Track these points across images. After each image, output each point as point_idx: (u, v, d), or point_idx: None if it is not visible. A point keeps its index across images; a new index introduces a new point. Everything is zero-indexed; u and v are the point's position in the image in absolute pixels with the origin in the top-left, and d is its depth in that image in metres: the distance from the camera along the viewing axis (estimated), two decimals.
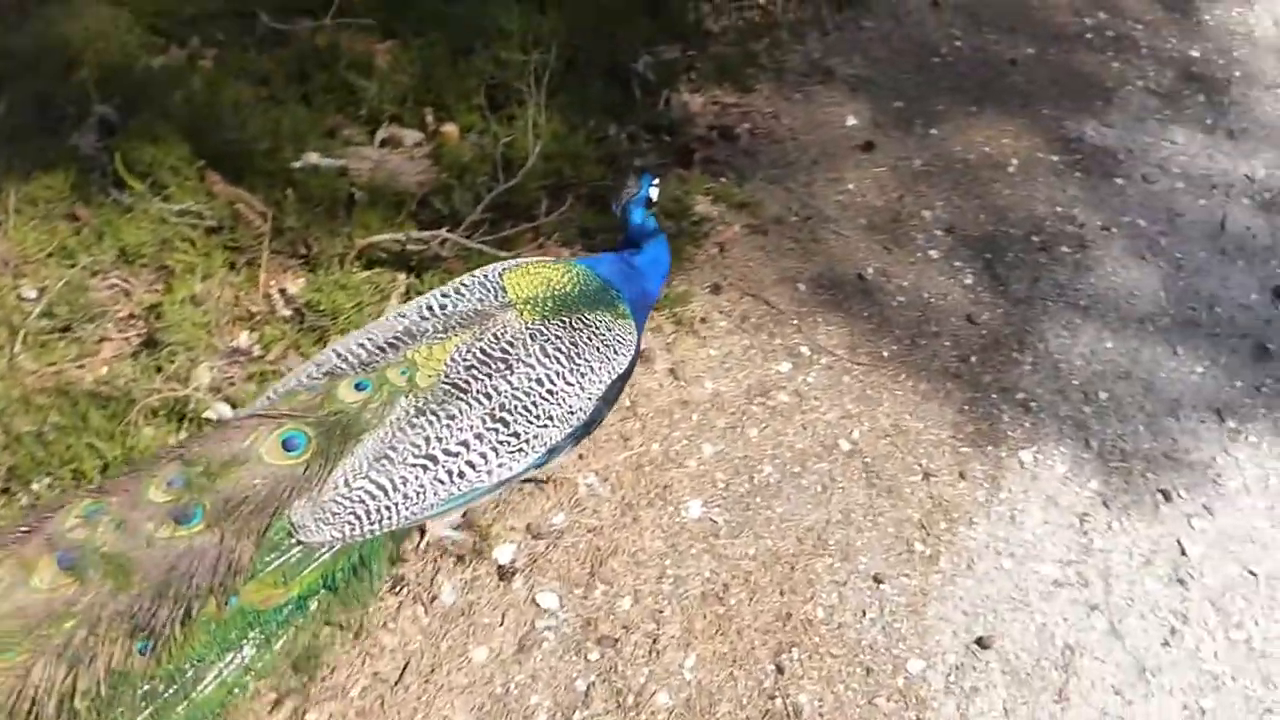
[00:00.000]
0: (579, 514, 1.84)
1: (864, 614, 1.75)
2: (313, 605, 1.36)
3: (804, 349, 2.13)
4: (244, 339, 2.08)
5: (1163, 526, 1.99)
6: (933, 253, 2.40)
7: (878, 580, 1.80)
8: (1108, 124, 2.82)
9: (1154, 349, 2.30)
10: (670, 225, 2.26)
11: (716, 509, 1.88)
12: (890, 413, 2.07)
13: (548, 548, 1.79)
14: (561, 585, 1.73)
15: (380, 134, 2.31)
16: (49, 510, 1.29)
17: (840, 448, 2.00)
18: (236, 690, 1.30)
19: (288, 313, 2.07)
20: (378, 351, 1.48)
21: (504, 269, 1.62)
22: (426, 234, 2.00)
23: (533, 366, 1.50)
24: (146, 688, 1.21)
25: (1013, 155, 2.67)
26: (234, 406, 1.84)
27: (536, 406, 1.49)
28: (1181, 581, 1.92)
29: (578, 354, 1.53)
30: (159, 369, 1.87)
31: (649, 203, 1.70)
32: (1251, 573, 1.96)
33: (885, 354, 2.18)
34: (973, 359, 2.20)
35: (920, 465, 1.99)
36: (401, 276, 2.08)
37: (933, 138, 2.66)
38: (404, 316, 1.55)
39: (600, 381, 1.56)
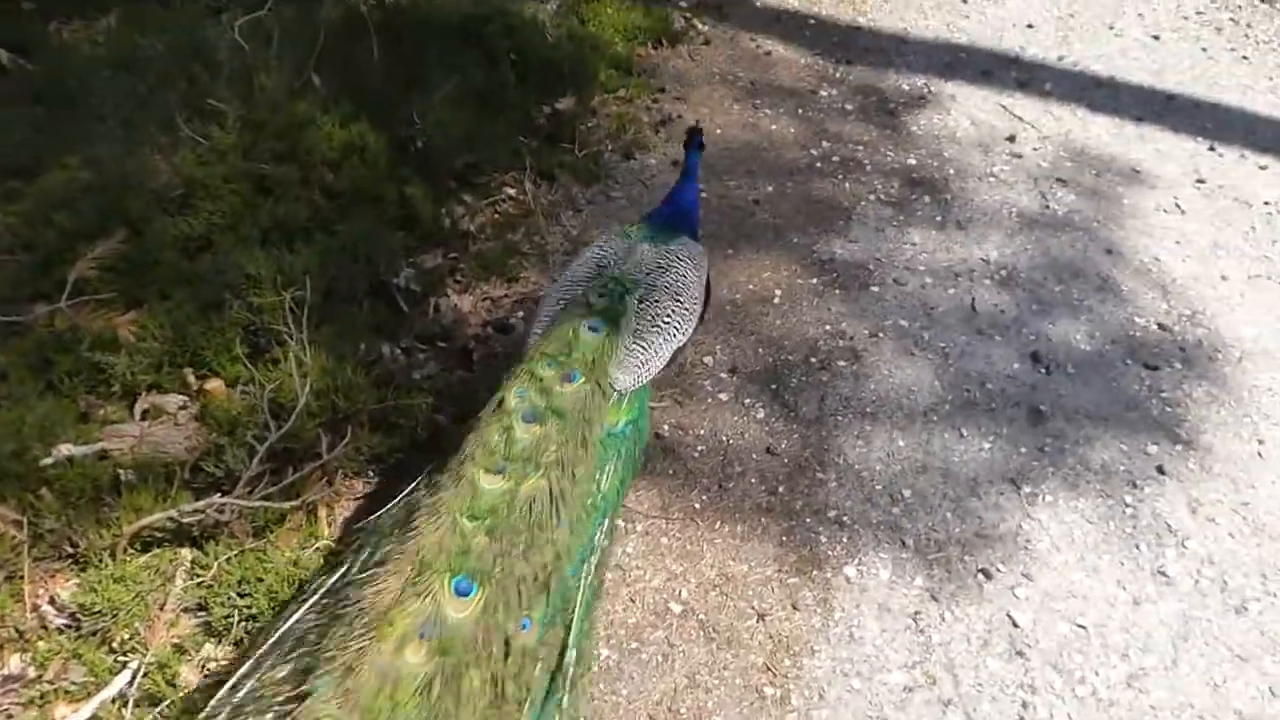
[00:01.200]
0: None
1: None
2: (630, 429, 2.01)
3: (617, 521, 2.19)
4: (14, 664, 1.95)
5: (991, 604, 2.15)
6: (722, 396, 2.57)
7: None
8: (853, 240, 3.16)
9: (942, 437, 2.52)
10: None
11: None
12: (714, 563, 2.16)
13: None
14: None
15: (139, 406, 2.29)
16: (498, 400, 1.93)
17: (672, 611, 2.06)
18: (621, 485, 1.94)
19: (61, 622, 1.96)
20: (590, 278, 2.20)
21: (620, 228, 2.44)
22: (200, 504, 1.97)
23: (671, 268, 2.22)
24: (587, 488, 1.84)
25: (775, 287, 2.94)
26: None
27: (683, 290, 2.20)
28: (1020, 653, 2.06)
29: (686, 259, 2.26)
30: None
31: (701, 146, 2.49)
32: (1080, 626, 2.13)
33: (697, 505, 2.29)
34: (781, 489, 2.34)
35: (753, 608, 2.07)
36: (184, 552, 2.04)
37: None
38: (584, 264, 2.26)
39: (700, 274, 2.29)
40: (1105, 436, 2.59)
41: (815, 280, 2.99)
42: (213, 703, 1.56)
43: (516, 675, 1.58)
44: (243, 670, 1.59)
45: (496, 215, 3.08)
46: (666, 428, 2.47)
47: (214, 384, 2.38)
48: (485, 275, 2.84)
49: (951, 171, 3.58)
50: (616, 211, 3.17)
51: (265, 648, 1.63)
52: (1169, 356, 2.88)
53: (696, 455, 2.41)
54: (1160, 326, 2.99)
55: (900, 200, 3.40)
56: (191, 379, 2.38)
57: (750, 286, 2.94)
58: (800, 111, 3.85)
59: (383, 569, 1.64)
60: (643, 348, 2.08)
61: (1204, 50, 4.72)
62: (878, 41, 4.43)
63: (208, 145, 2.80)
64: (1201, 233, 3.41)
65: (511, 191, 3.17)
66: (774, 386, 2.61)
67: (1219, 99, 4.28)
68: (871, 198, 3.39)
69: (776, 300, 2.90)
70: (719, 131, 3.63)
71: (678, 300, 2.18)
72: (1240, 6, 5.25)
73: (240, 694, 1.56)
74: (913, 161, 3.61)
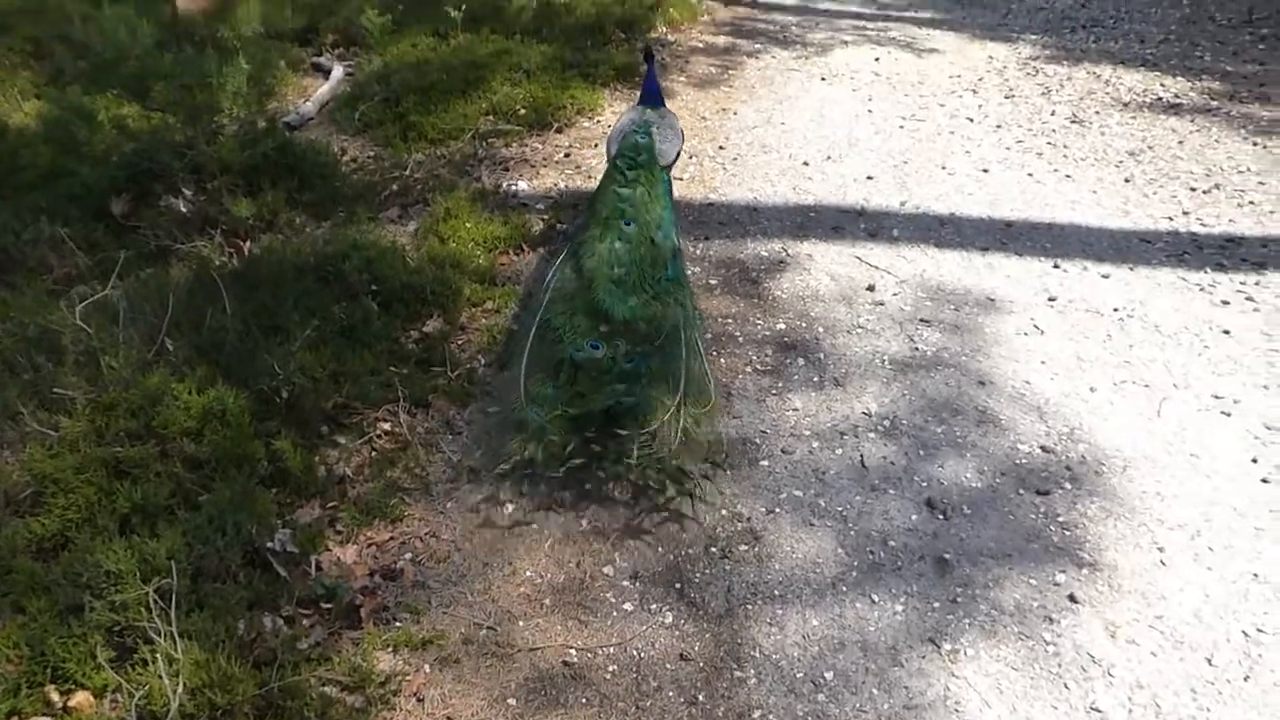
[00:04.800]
0: None
1: None
2: (667, 177, 3.85)
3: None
4: None
5: None
6: (627, 606, 2.55)
7: None
8: (736, 416, 3.26)
9: (854, 607, 2.54)
10: (356, 699, 2.24)
11: None
12: None
13: None
14: None
15: None
16: (611, 166, 3.85)
17: None
18: (669, 199, 3.69)
19: None
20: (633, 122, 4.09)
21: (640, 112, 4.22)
22: None
23: (664, 116, 4.14)
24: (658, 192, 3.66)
25: None
26: None
27: (673, 124, 4.13)
28: None
29: (668, 113, 4.25)
30: None
31: (650, 58, 4.66)
32: None
33: None
34: (700, 697, 2.30)
35: None
36: None
37: (589, 494, 2.89)
38: (626, 117, 4.18)
39: (675, 118, 4.26)
40: (1013, 574, 2.65)
41: (705, 464, 3.04)
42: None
43: (657, 250, 3.36)
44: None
45: (373, 453, 3.08)
46: (574, 651, 2.42)
47: (79, 698, 2.24)
48: (367, 520, 2.81)
49: (821, 330, 3.75)
50: (495, 427, 3.20)
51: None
52: (1057, 478, 3.00)
53: (608, 678, 2.36)
54: (1043, 449, 3.12)
55: (776, 367, 3.53)
56: (55, 696, 2.24)
57: (640, 484, 2.97)
58: None
59: (588, 220, 3.58)
60: (664, 144, 3.91)
61: (1030, 175, 5.17)
62: (731, 214, 4.72)
63: (57, 436, 2.75)
64: (1063, 349, 3.64)
65: (386, 426, 3.18)
66: (678, 585, 2.61)
67: (1052, 218, 4.67)
68: (748, 369, 3.52)
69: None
70: None
71: (671, 128, 4.06)
72: (1054, 130, 5.82)
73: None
74: (782, 326, 3.78)
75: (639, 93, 4.54)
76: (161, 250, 4.15)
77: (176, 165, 4.45)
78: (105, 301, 3.25)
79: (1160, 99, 6.42)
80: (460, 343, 3.65)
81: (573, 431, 2.78)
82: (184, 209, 4.40)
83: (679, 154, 4.07)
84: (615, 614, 2.53)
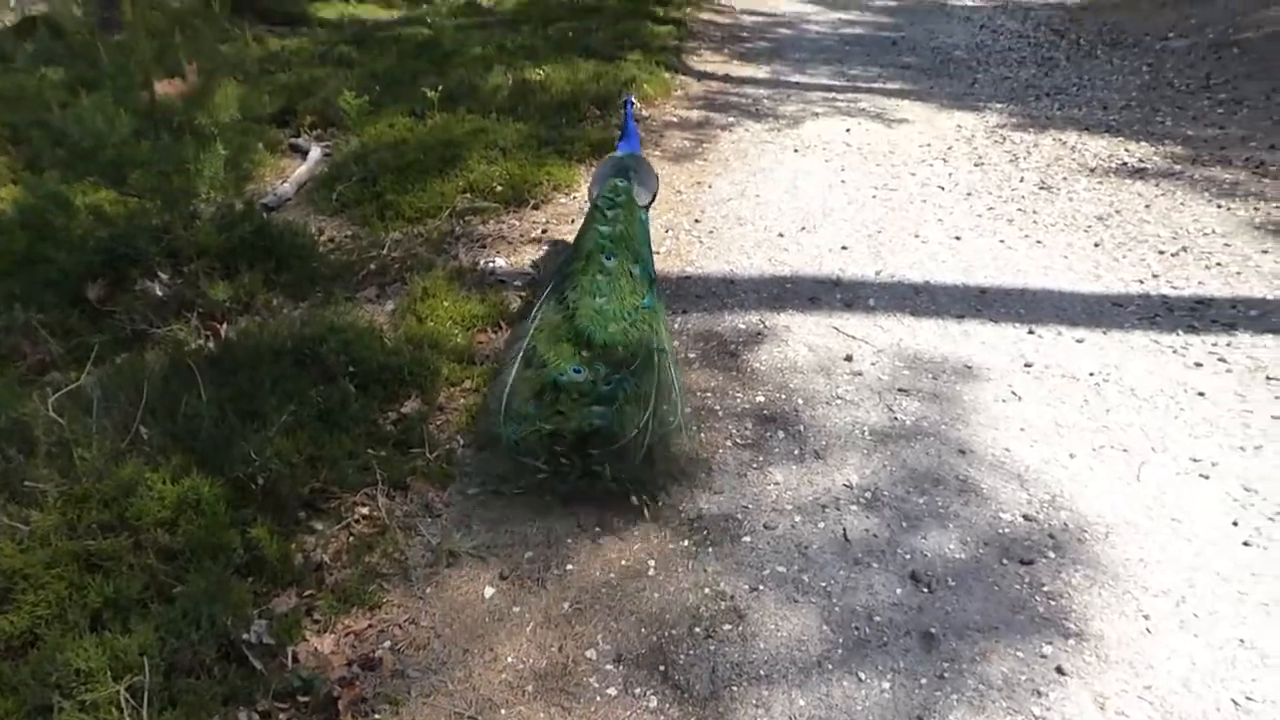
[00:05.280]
0: None
1: None
2: (646, 215, 4.29)
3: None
4: None
5: None
6: (610, 690, 2.52)
7: None
8: (717, 491, 3.26)
9: (841, 685, 2.52)
10: None
11: None
12: None
13: None
14: None
15: None
16: (593, 204, 4.25)
17: None
18: (646, 232, 4.20)
19: None
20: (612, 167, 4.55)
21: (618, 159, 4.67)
22: None
23: (641, 162, 4.61)
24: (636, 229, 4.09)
25: (648, 557, 2.97)
26: None
27: (648, 170, 4.59)
28: None
29: (644, 160, 4.70)
30: None
31: (629, 103, 5.20)
32: None
33: None
34: None
35: None
36: None
37: (571, 574, 2.90)
38: (605, 164, 4.65)
39: (650, 165, 4.75)
40: (1000, 647, 2.64)
41: (687, 542, 3.04)
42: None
43: (635, 282, 3.67)
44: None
45: (351, 538, 3.06)
46: None
47: None
48: (345, 608, 2.78)
49: (800, 401, 3.78)
50: (475, 509, 3.19)
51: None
52: (1041, 547, 3.01)
53: None
54: (1025, 518, 3.14)
55: (756, 440, 3.55)
56: None
57: (623, 563, 2.96)
58: None
59: (571, 256, 3.92)
60: (640, 186, 4.33)
61: (1002, 242, 5.28)
62: (708, 287, 4.79)
63: (27, 530, 2.72)
64: (1041, 415, 3.68)
65: (364, 510, 3.16)
66: (662, 668, 2.58)
67: (1025, 284, 4.76)
68: (728, 443, 3.54)
69: (651, 572, 2.92)
70: None
71: (649, 172, 4.57)
72: (1024, 197, 5.96)
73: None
74: (761, 399, 3.81)
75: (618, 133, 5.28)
76: (137, 334, 4.16)
77: (153, 250, 4.48)
78: (79, 390, 3.24)
79: (1125, 164, 6.60)
80: (439, 423, 3.65)
81: (546, 447, 3.06)
82: (160, 293, 4.42)
83: (655, 195, 4.54)
84: (599, 699, 2.50)
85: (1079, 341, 4.21)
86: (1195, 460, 3.41)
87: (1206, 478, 3.32)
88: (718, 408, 3.75)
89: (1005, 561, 2.96)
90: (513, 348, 3.56)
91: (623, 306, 3.51)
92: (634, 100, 5.72)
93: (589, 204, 4.33)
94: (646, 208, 4.31)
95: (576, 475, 3.05)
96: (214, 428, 3.22)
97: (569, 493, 3.13)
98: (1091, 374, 3.95)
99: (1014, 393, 3.83)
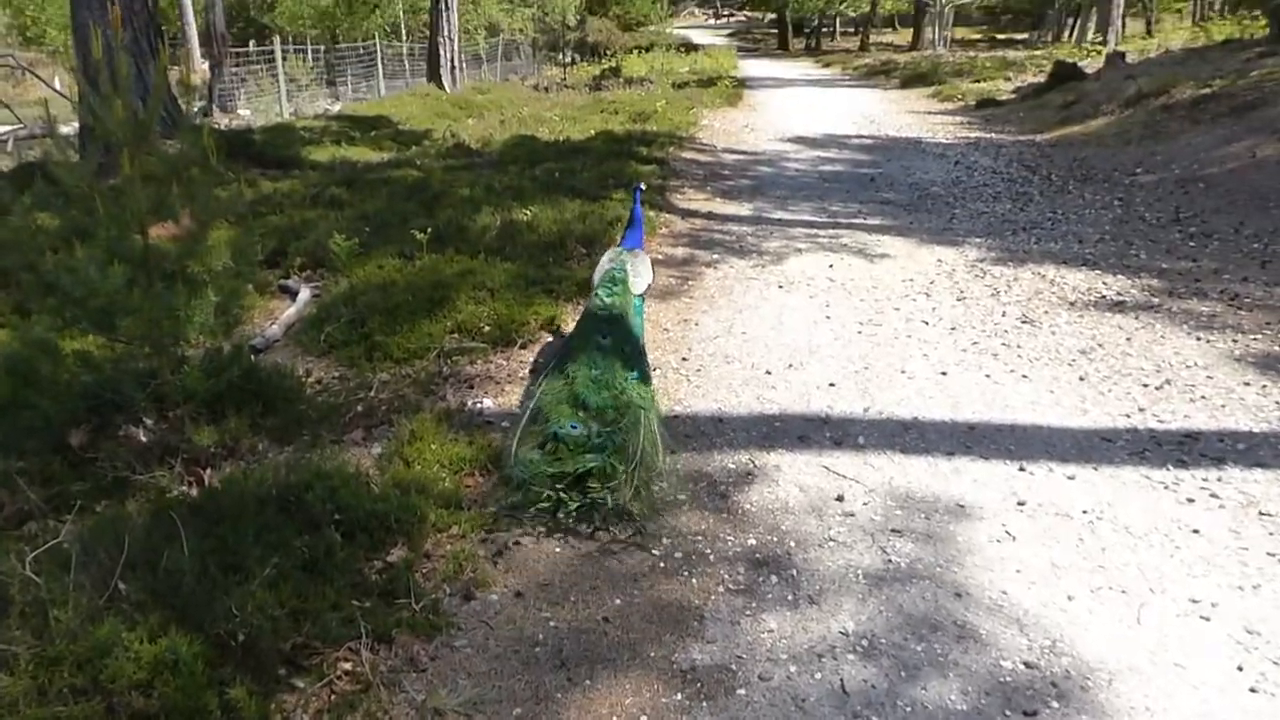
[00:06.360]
0: None
1: None
2: (640, 302, 5.07)
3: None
4: None
5: None
6: None
7: None
8: (710, 640, 3.22)
9: None
10: None
11: None
12: None
13: None
14: None
15: None
16: (595, 290, 5.04)
17: None
18: (640, 313, 5.05)
19: None
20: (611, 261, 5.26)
21: (617, 253, 5.37)
22: None
23: (639, 258, 5.25)
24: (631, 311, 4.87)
25: (640, 713, 2.92)
26: None
27: (645, 266, 5.24)
28: None
29: (643, 255, 5.37)
30: None
31: (637, 190, 6.03)
32: None
33: None
34: None
35: None
36: None
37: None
38: (607, 258, 5.31)
39: (648, 260, 5.44)
40: None
41: (680, 696, 2.98)
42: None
43: (626, 358, 4.42)
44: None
45: (333, 696, 2.98)
46: None
47: None
48: None
49: (792, 544, 3.78)
50: (463, 663, 3.13)
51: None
52: (1044, 696, 2.97)
53: None
54: (1026, 665, 3.10)
55: (749, 586, 3.53)
56: None
57: (614, 718, 2.89)
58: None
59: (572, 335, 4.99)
60: (636, 276, 5.00)
61: (988, 376, 5.38)
62: (697, 426, 4.83)
63: None
64: (1037, 555, 3.68)
65: (347, 665, 3.10)
66: None
67: (1014, 419, 4.83)
68: (720, 590, 3.51)
69: None
70: (558, 551, 3.74)
71: (645, 265, 5.22)
72: (1007, 331, 6.11)
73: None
74: (753, 542, 3.80)
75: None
76: (119, 482, 4.14)
77: (139, 395, 4.51)
78: (57, 546, 3.21)
79: (1104, 297, 6.80)
80: (425, 571, 3.61)
81: (550, 485, 3.85)
82: (144, 438, 4.43)
83: (649, 285, 5.29)
84: None
85: (1070, 478, 4.24)
86: (1195, 601, 3.40)
87: (1207, 619, 3.30)
88: (709, 552, 3.74)
89: (1008, 713, 2.90)
90: (523, 406, 4.59)
91: (614, 377, 4.28)
92: (644, 187, 6.29)
93: (590, 292, 5.22)
94: (642, 296, 5.08)
95: (576, 505, 3.80)
96: (195, 581, 3.18)
97: (571, 520, 3.82)
98: (1085, 511, 3.97)
99: (1008, 532, 3.84)
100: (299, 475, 3.92)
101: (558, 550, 3.72)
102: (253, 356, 5.36)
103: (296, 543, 3.48)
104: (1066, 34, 41.64)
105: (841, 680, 3.04)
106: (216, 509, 3.68)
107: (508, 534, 3.84)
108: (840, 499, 4.09)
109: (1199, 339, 5.87)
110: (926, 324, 6.32)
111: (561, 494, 3.82)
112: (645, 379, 4.44)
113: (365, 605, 3.34)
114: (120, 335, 4.89)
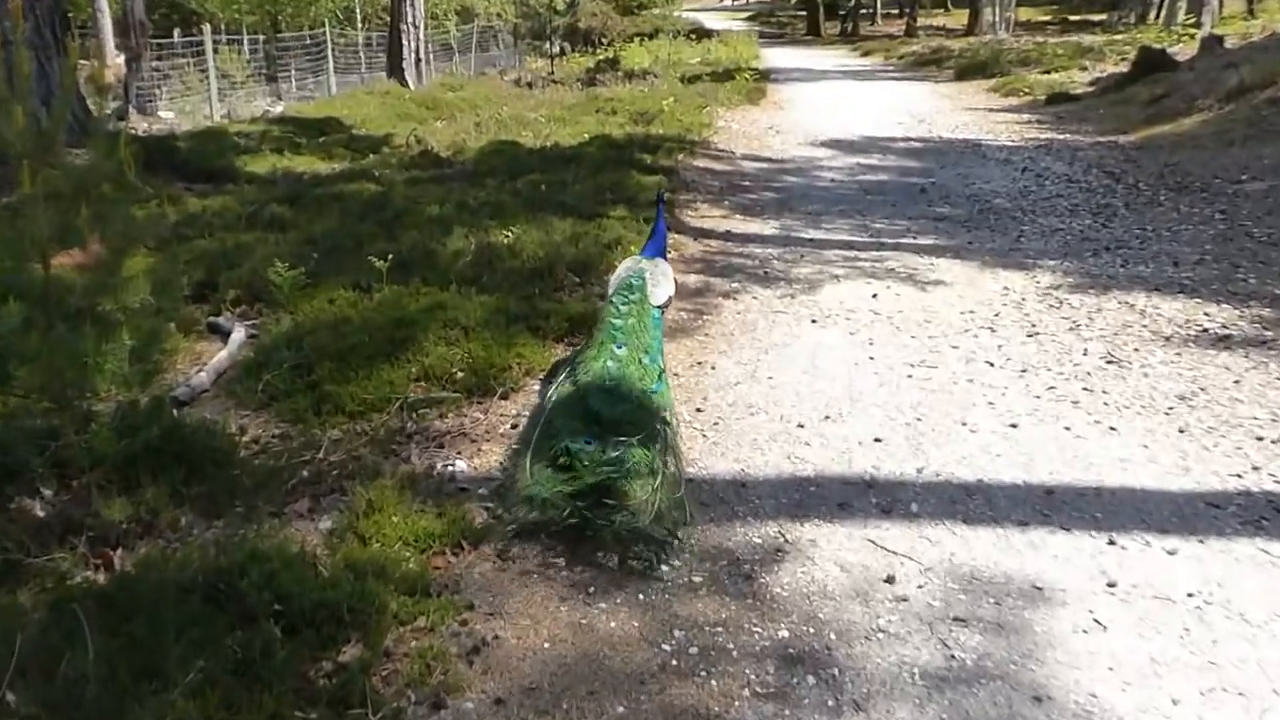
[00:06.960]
0: None
1: None
2: (659, 313, 5.66)
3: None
4: None
5: None
6: None
7: None
8: None
9: None
10: None
11: None
12: None
13: None
14: None
15: None
16: (609, 301, 5.64)
17: None
18: (659, 327, 5.61)
19: None
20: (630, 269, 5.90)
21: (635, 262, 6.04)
22: None
23: (658, 266, 5.95)
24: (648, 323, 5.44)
25: None
26: None
27: (665, 273, 5.94)
28: None
29: (664, 263, 6.17)
30: None
31: (661, 199, 6.81)
32: None
33: None
34: None
35: None
36: None
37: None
38: (625, 266, 5.99)
39: (669, 270, 6.10)
40: None
41: None
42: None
43: (644, 370, 4.99)
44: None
45: None
46: None
47: None
48: None
49: (832, 636, 3.75)
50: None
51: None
52: None
53: None
54: None
55: (780, 689, 3.49)
56: None
57: None
58: (641, 597, 4.01)
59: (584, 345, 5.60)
60: (656, 287, 5.57)
61: (1068, 429, 5.38)
62: (715, 491, 4.82)
63: None
64: (1133, 650, 3.64)
65: None
66: None
67: (1100, 481, 4.81)
68: (745, 693, 3.47)
69: None
70: (547, 647, 3.71)
71: (665, 275, 5.84)
72: (1089, 373, 6.12)
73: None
74: (785, 634, 3.77)
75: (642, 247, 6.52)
76: (9, 566, 4.12)
77: (36, 460, 4.51)
78: None
79: (1206, 330, 6.81)
80: (385, 673, 3.58)
81: (568, 502, 4.20)
82: (41, 512, 4.42)
83: (670, 298, 5.83)
84: None
85: (1171, 553, 4.21)
86: None
87: None
88: (731, 646, 3.70)
89: None
90: (534, 418, 5.17)
91: (631, 390, 4.74)
92: (666, 194, 7.24)
93: (606, 302, 5.67)
94: (661, 308, 5.60)
95: (595, 524, 4.15)
96: (101, 690, 3.15)
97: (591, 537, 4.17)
98: (1190, 595, 3.94)
99: (1096, 620, 3.80)
100: (230, 557, 3.90)
101: (546, 641, 3.69)
102: (175, 411, 5.37)
103: (227, 640, 3.46)
104: (1152, 14, 42.10)
105: None
106: (129, 599, 3.67)
107: (484, 626, 3.81)
108: (890, 580, 4.06)
109: None
110: (991, 365, 6.32)
111: (585, 515, 4.17)
112: (665, 393, 5.07)
113: (311, 717, 3.31)
114: (14, 387, 4.91)
